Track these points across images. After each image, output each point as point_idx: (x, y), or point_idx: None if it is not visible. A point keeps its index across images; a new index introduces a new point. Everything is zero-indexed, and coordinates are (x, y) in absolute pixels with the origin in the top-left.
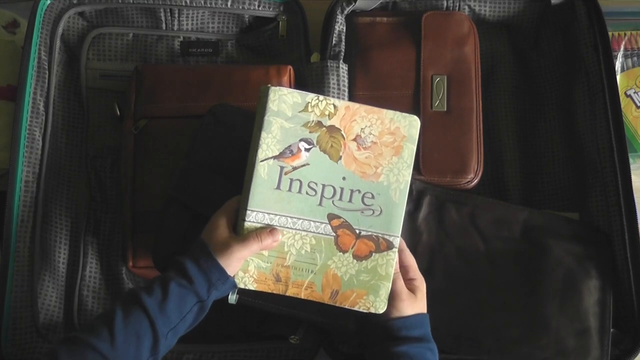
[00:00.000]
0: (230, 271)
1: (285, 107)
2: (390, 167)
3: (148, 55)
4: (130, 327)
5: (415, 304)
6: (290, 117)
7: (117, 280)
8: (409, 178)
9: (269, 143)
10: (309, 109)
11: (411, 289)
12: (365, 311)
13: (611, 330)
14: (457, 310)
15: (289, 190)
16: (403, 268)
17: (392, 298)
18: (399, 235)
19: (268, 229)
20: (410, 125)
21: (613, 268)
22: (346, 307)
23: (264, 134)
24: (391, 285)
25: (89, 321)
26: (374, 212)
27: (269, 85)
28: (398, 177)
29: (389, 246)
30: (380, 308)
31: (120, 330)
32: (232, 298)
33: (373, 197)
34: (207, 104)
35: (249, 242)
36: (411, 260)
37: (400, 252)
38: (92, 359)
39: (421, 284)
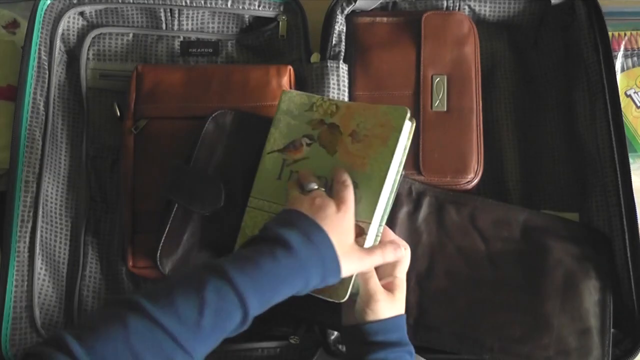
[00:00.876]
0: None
1: (293, 106)
2: (376, 156)
3: (148, 55)
4: (220, 317)
5: (393, 305)
6: (296, 115)
7: (117, 280)
8: (390, 165)
9: (276, 138)
10: (314, 108)
11: (390, 288)
12: (328, 299)
13: (611, 330)
14: (458, 310)
15: (288, 180)
16: (389, 265)
17: (367, 299)
18: (371, 222)
19: (392, 245)
20: (399, 116)
21: (613, 268)
22: (314, 293)
23: (272, 130)
24: (364, 285)
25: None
26: (356, 200)
27: (285, 89)
28: (381, 165)
29: (360, 233)
30: (341, 297)
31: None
32: None
33: (357, 185)
34: (207, 104)
35: (373, 256)
36: (394, 256)
37: (383, 246)
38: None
39: (402, 283)
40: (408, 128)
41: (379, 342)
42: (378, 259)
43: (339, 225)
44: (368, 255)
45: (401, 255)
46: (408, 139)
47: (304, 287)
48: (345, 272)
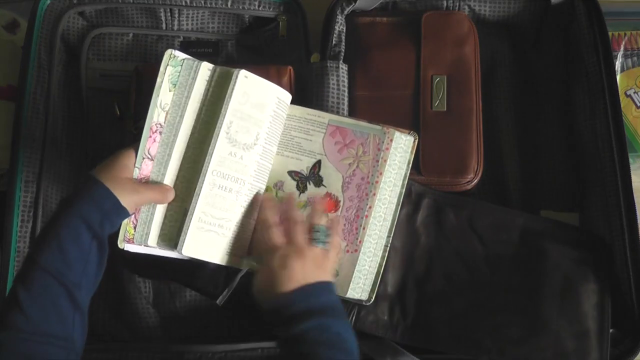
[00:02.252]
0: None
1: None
2: None
3: (148, 55)
4: (39, 295)
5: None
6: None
7: (118, 281)
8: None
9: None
10: None
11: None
12: None
13: (610, 330)
14: (456, 312)
15: None
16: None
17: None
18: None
19: (168, 186)
20: None
21: (611, 271)
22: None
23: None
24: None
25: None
26: None
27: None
28: None
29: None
30: (343, 292)
31: (29, 304)
32: (220, 300)
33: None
34: None
35: (153, 191)
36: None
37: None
38: (14, 341)
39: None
40: (410, 143)
41: (291, 315)
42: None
43: (109, 160)
44: (145, 187)
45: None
46: (411, 153)
47: (89, 225)
48: (125, 202)
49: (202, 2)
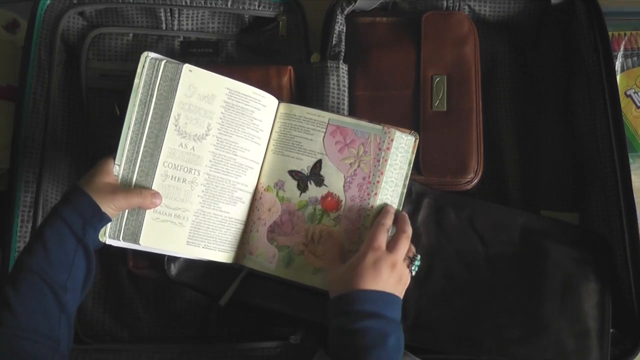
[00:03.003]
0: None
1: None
2: None
3: None
4: (26, 295)
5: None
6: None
7: (118, 281)
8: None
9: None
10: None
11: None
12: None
13: (611, 330)
14: (456, 312)
15: None
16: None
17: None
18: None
19: (152, 191)
20: None
21: (612, 270)
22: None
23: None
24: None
25: None
26: None
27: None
28: None
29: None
30: None
31: (16, 302)
32: (223, 300)
33: None
34: None
35: (132, 196)
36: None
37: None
38: (1, 337)
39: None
40: (411, 143)
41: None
42: (136, 197)
43: (92, 169)
44: (125, 194)
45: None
46: (412, 152)
47: (71, 229)
48: (105, 209)
49: (202, 2)
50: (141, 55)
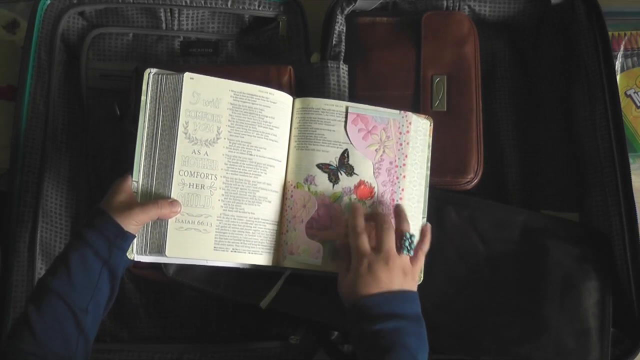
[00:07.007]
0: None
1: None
2: None
3: (148, 55)
4: (47, 316)
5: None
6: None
7: None
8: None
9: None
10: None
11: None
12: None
13: (611, 330)
14: (457, 311)
15: None
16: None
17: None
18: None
19: (169, 199)
20: None
21: (612, 269)
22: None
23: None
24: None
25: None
26: None
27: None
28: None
29: None
30: None
31: (36, 321)
32: (264, 302)
33: None
34: None
35: (149, 208)
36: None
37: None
38: (18, 356)
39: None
40: (427, 127)
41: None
42: (154, 209)
43: (109, 191)
44: (142, 208)
45: (177, 210)
46: (429, 136)
47: (98, 255)
48: (127, 226)
49: (202, 2)
50: (144, 72)
